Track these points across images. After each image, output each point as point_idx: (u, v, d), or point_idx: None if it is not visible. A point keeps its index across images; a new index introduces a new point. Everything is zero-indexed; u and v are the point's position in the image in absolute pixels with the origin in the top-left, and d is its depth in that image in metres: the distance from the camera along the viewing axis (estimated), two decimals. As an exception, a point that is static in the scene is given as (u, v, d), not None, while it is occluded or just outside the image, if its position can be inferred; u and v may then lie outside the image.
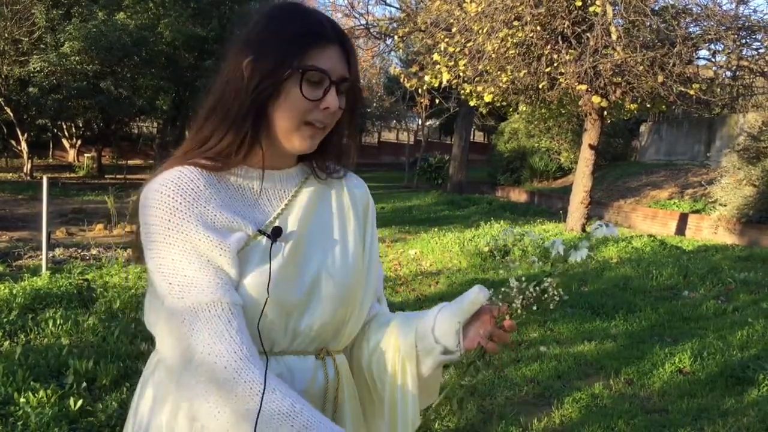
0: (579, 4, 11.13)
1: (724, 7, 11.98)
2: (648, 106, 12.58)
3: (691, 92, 10.80)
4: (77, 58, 21.03)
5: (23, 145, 25.15)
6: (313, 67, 1.21)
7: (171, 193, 1.20)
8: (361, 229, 1.42)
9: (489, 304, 1.35)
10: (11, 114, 23.24)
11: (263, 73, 1.21)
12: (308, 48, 1.22)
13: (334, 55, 1.24)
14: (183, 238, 1.17)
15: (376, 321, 1.44)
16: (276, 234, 1.24)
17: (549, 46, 11.50)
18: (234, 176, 1.29)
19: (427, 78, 12.50)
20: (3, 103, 22.56)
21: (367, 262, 1.41)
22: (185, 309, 1.14)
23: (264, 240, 1.24)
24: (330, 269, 1.31)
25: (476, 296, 1.32)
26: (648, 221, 15.62)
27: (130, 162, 32.39)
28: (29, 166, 25.58)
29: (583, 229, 12.73)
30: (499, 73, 11.93)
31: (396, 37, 15.65)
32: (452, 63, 12.14)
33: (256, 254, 1.22)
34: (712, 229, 13.38)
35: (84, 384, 4.06)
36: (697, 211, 14.71)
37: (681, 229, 14.28)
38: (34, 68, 20.77)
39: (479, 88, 12.39)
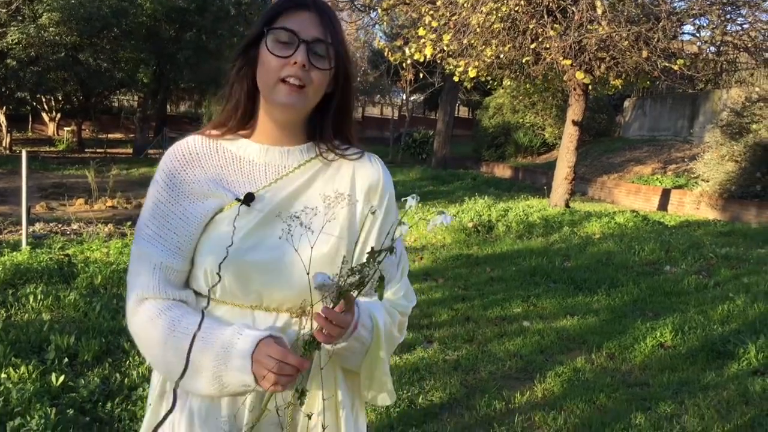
0: (564, -22, 11.06)
1: (709, -18, 11.94)
2: (632, 81, 12.57)
3: (675, 67, 10.79)
4: (55, 29, 20.68)
5: (1, 118, 24.83)
6: (280, 26, 1.34)
7: (168, 160, 1.43)
8: (356, 214, 1.43)
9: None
10: (-11, 87, 22.87)
11: (247, 41, 1.41)
12: (281, 13, 1.36)
13: (307, 18, 1.35)
14: (160, 199, 1.39)
15: None
16: (248, 199, 1.35)
17: (534, 21, 11.42)
18: (234, 147, 1.44)
19: (408, 51, 12.38)
20: (-20, 76, 22.18)
21: (363, 240, 1.43)
22: (134, 252, 1.41)
23: (239, 206, 1.36)
24: (300, 246, 1.31)
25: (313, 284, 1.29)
26: (631, 197, 15.71)
27: (110, 136, 32.09)
28: (8, 139, 25.27)
29: (567, 205, 12.78)
30: (483, 47, 11.85)
31: (380, 10, 15.49)
32: (436, 37, 12.04)
33: (227, 219, 1.35)
34: (694, 205, 13.48)
35: (66, 360, 4.03)
36: (679, 187, 14.82)
37: (663, 205, 14.38)
38: (12, 40, 20.40)
39: (463, 63, 12.31)
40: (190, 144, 1.43)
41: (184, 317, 1.33)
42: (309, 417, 1.38)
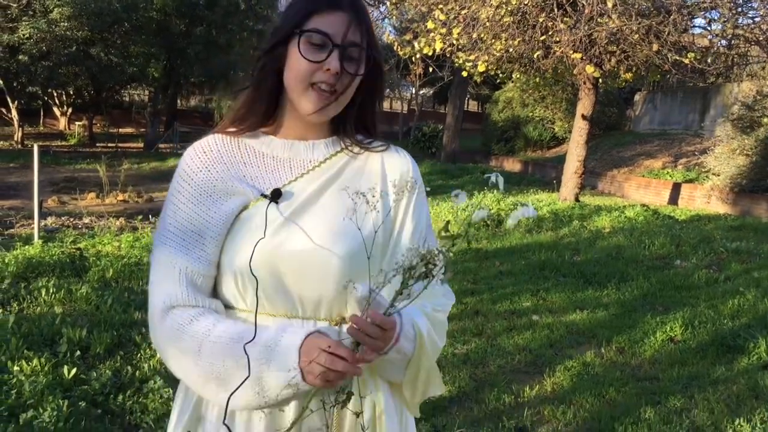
0: (575, -29, 11.01)
1: (721, -25, 11.85)
2: (643, 74, 12.51)
3: (686, 61, 10.73)
4: (67, 24, 20.77)
5: (14, 113, 24.96)
6: (313, 29, 1.26)
7: (188, 159, 1.35)
8: (388, 206, 1.38)
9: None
10: (1, 82, 23.00)
11: (275, 39, 1.32)
12: (313, 12, 1.27)
13: (341, 20, 1.27)
14: (181, 200, 1.32)
15: None
16: (275, 195, 1.29)
17: (544, 14, 11.38)
18: (257, 143, 1.38)
19: (417, 46, 12.37)
20: (-8, 71, 22.30)
21: (396, 235, 1.37)
22: (156, 259, 1.32)
23: (265, 203, 1.29)
24: (334, 240, 1.28)
25: (355, 295, 1.21)
26: (641, 191, 15.64)
27: (121, 130, 32.21)
28: (20, 134, 25.42)
29: (577, 199, 12.74)
30: (493, 41, 11.82)
31: (389, 4, 15.47)
32: (446, 31, 12.02)
33: (254, 215, 1.29)
34: (705, 199, 13.41)
35: (78, 352, 4.06)
36: (690, 181, 14.74)
37: (674, 199, 14.32)
38: (24, 35, 20.51)
39: (473, 57, 12.29)
40: (210, 143, 1.37)
41: (219, 322, 1.25)
42: (357, 415, 1.30)
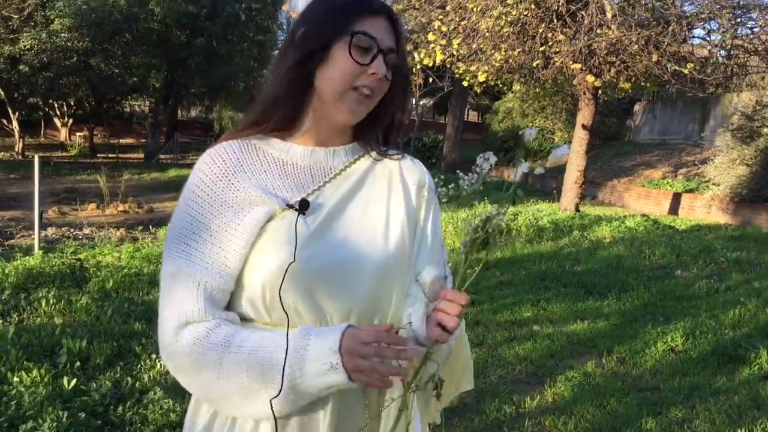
0: (574, -18, 11.06)
1: (720, -14, 11.90)
2: (642, 85, 12.54)
3: (685, 71, 10.77)
4: (67, 35, 20.83)
5: (14, 124, 25.02)
6: (364, 32, 1.24)
7: (204, 167, 1.28)
8: (413, 210, 1.36)
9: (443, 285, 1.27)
10: (2, 93, 23.08)
11: (313, 39, 1.26)
12: (358, 16, 1.25)
13: (383, 25, 1.27)
14: (199, 212, 1.25)
15: None
16: (303, 207, 1.24)
17: (543, 25, 11.43)
18: (276, 150, 1.31)
19: (417, 56, 12.41)
20: (-6, 82, 22.37)
21: (417, 247, 1.35)
22: (169, 272, 1.24)
23: (292, 213, 1.23)
24: (364, 250, 1.26)
25: (424, 279, 1.24)
26: (641, 201, 15.65)
27: (122, 141, 32.27)
28: (21, 145, 25.46)
29: (577, 209, 12.74)
30: (493, 51, 11.86)
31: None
32: (446, 42, 12.06)
33: (281, 228, 1.22)
34: (705, 209, 13.42)
35: (77, 363, 4.05)
36: (690, 191, 14.75)
37: (674, 209, 14.32)
38: (25, 46, 20.58)
39: (473, 67, 12.33)
40: (228, 150, 1.30)
41: (237, 332, 1.20)
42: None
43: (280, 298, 1.19)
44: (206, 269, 1.21)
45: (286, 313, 1.19)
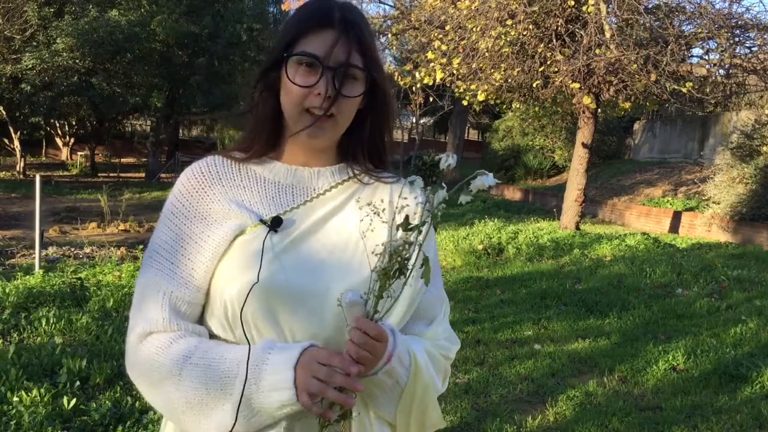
0: (572, 3, 11.14)
1: (717, 6, 12.06)
2: (641, 104, 12.60)
3: (684, 90, 10.82)
4: (69, 54, 20.95)
5: (16, 143, 25.09)
6: (300, 52, 1.18)
7: (184, 179, 1.28)
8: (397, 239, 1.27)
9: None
10: (4, 112, 23.18)
11: (267, 65, 1.25)
12: (302, 33, 1.20)
13: (331, 38, 1.19)
14: (173, 221, 1.25)
15: None
16: (275, 224, 1.21)
17: (542, 45, 11.51)
18: (260, 167, 1.29)
19: (417, 75, 12.49)
20: (-4, 101, 22.49)
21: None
22: (139, 283, 1.25)
23: (263, 229, 1.20)
24: (333, 275, 1.20)
25: (344, 302, 1.12)
26: (642, 219, 15.66)
27: (123, 160, 32.32)
28: (22, 164, 25.51)
29: (577, 227, 12.75)
30: (492, 71, 11.93)
31: (390, 35, 15.63)
32: (446, 61, 12.13)
33: (250, 243, 1.20)
34: (705, 227, 13.42)
35: (77, 383, 4.04)
36: (690, 209, 14.76)
37: (674, 227, 14.32)
38: (27, 65, 20.69)
39: (473, 86, 12.39)
40: (209, 163, 1.29)
41: (200, 343, 1.17)
42: None
43: (240, 315, 1.16)
44: (173, 280, 1.21)
45: (243, 329, 1.17)
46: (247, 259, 1.19)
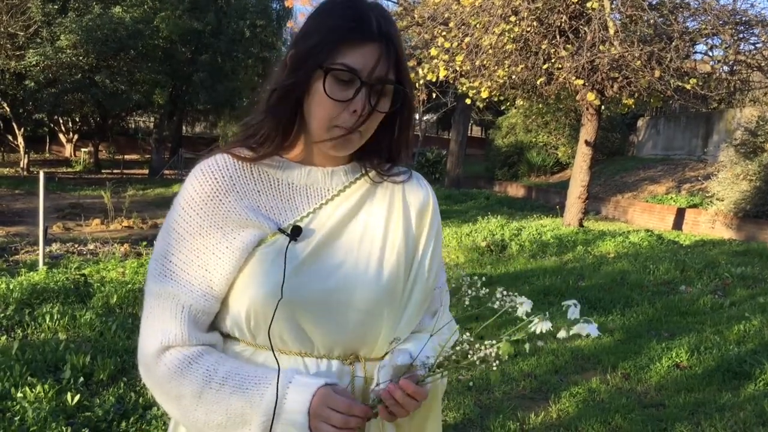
0: (576, -1, 11.13)
1: (722, 2, 11.99)
2: (645, 100, 12.58)
3: (688, 87, 10.79)
4: (73, 51, 20.98)
5: (20, 140, 25.13)
6: (341, 65, 1.13)
7: (196, 184, 1.21)
8: (412, 239, 1.30)
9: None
10: (8, 109, 23.23)
11: (296, 68, 1.18)
12: (341, 44, 1.14)
13: (373, 53, 1.14)
14: (187, 230, 1.20)
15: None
16: (295, 233, 1.18)
17: (546, 41, 11.49)
18: (272, 168, 1.25)
19: (421, 72, 12.48)
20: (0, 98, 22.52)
21: (415, 273, 1.30)
22: (153, 291, 1.21)
23: (283, 238, 1.19)
24: (355, 282, 1.22)
25: (395, 363, 1.22)
26: (645, 216, 15.64)
27: (126, 157, 32.38)
28: (26, 161, 25.56)
29: (581, 224, 12.74)
30: (496, 68, 11.92)
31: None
32: (449, 58, 12.12)
33: (271, 254, 1.18)
34: (709, 224, 13.40)
35: (81, 379, 4.05)
36: (694, 206, 14.74)
37: (678, 224, 14.30)
38: (30, 62, 20.72)
39: (476, 83, 12.38)
40: (221, 166, 1.23)
41: (220, 365, 1.18)
42: None
43: (269, 334, 1.17)
44: (191, 291, 1.18)
45: (270, 342, 1.18)
46: (268, 271, 1.17)
